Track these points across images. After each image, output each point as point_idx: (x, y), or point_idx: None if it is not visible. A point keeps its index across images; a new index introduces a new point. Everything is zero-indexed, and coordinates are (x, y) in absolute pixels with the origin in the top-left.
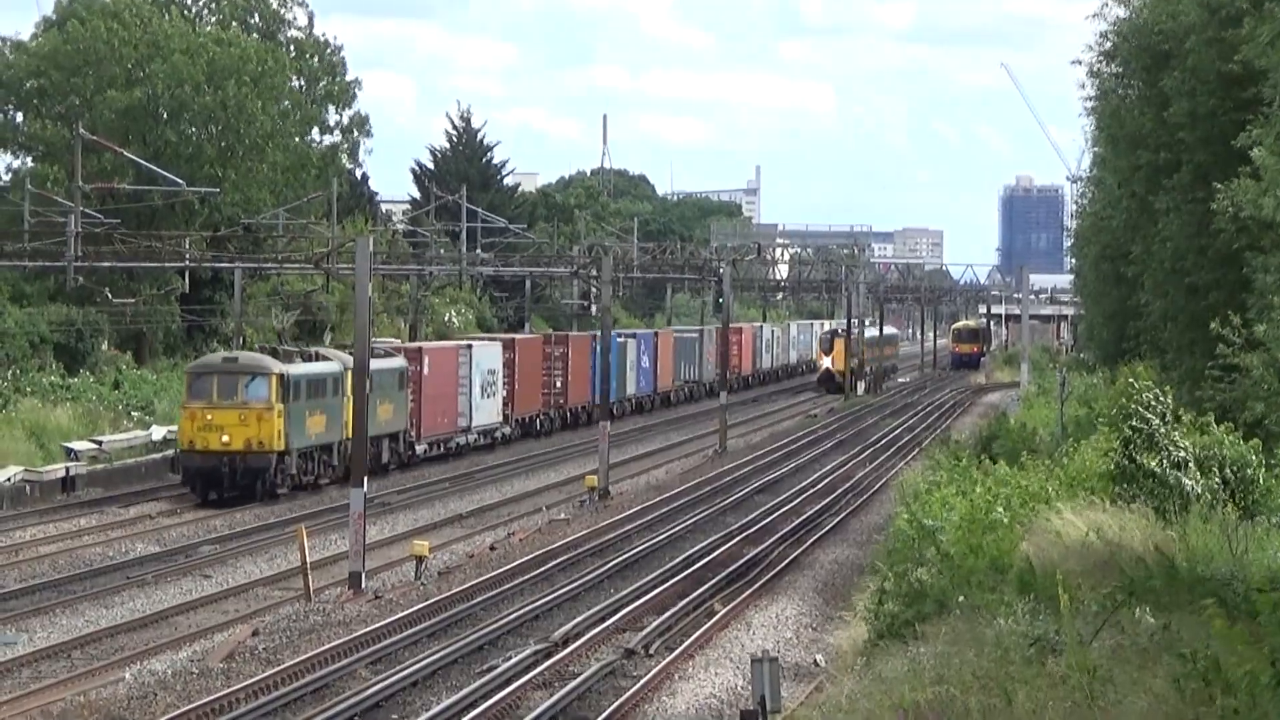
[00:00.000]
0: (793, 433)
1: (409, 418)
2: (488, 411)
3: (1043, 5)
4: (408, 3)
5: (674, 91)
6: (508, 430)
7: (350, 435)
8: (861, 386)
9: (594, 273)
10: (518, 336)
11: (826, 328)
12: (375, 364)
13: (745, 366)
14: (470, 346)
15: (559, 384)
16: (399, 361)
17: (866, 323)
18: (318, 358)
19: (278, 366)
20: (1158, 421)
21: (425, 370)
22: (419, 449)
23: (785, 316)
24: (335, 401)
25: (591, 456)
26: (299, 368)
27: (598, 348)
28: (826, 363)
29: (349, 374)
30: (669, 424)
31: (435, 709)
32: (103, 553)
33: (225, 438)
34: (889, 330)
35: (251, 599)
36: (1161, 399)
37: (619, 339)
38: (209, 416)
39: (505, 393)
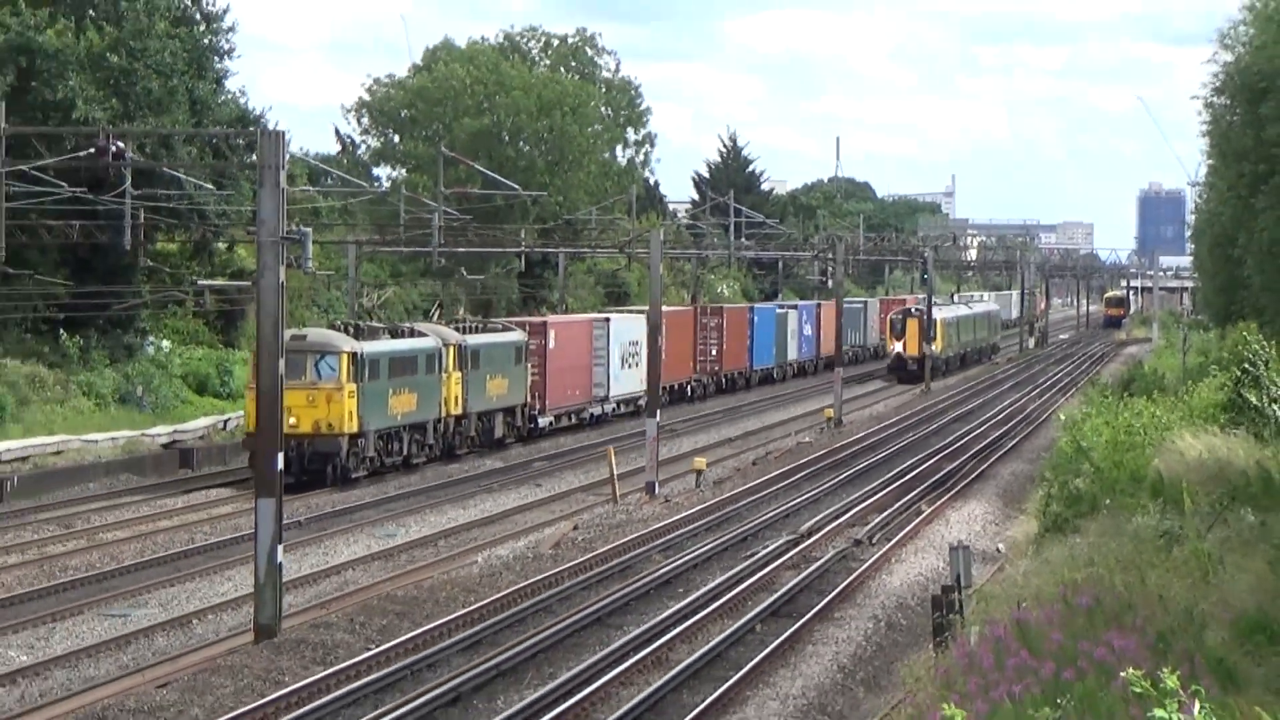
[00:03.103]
0: (978, 378)
1: (529, 391)
2: (629, 381)
3: (1167, 50)
4: (683, 50)
5: (885, 116)
6: None
7: (450, 413)
8: (1032, 341)
9: (830, 256)
10: (664, 309)
11: (903, 307)
12: (487, 339)
13: None
14: (608, 320)
15: (714, 352)
16: (514, 336)
17: (953, 300)
18: (413, 334)
19: (349, 344)
20: (1263, 367)
21: (551, 344)
22: (542, 421)
23: (976, 288)
24: (430, 379)
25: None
26: (377, 345)
27: (754, 318)
28: (898, 348)
29: (450, 350)
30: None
31: (712, 584)
32: (460, 467)
33: (292, 420)
34: (985, 307)
35: (572, 502)
36: (1266, 347)
37: (779, 310)
38: None
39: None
